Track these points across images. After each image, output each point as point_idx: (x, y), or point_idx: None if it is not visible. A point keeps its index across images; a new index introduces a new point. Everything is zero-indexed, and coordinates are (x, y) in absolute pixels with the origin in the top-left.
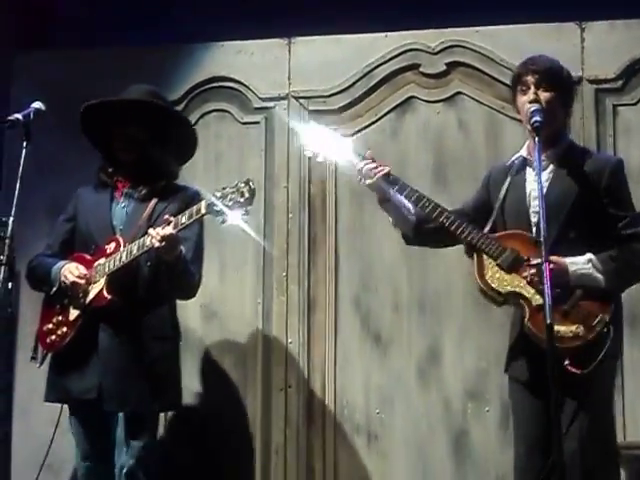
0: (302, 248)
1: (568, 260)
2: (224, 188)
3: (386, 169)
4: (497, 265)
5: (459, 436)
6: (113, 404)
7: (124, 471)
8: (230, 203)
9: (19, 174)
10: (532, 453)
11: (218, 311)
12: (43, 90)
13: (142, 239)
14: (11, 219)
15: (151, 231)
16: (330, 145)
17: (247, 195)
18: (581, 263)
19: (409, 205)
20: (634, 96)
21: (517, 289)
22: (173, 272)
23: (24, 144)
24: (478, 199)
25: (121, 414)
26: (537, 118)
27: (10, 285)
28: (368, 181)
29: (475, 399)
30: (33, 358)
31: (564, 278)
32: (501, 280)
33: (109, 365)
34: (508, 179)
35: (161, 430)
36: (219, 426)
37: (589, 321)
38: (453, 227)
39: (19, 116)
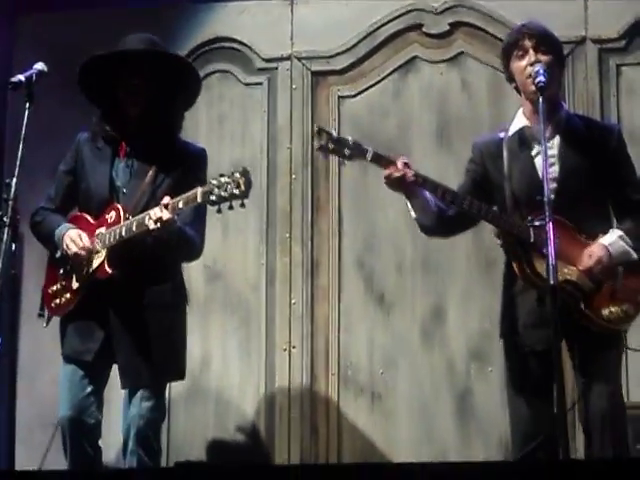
0: (305, 209)
1: (606, 242)
2: (222, 175)
3: (410, 175)
4: (531, 244)
5: (462, 396)
6: (129, 381)
7: (134, 429)
8: (226, 194)
9: (22, 135)
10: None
11: (222, 272)
12: (45, 52)
13: (141, 216)
14: (14, 180)
15: (150, 212)
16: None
17: (243, 188)
18: (616, 240)
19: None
20: (638, 56)
21: (567, 277)
22: (168, 247)
23: (27, 105)
24: (476, 178)
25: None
26: (542, 78)
27: (14, 247)
28: (394, 189)
29: (478, 359)
30: (40, 315)
31: (610, 259)
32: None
33: (122, 343)
34: (505, 154)
35: (167, 391)
36: (223, 387)
37: (634, 297)
38: (489, 218)
39: (22, 77)
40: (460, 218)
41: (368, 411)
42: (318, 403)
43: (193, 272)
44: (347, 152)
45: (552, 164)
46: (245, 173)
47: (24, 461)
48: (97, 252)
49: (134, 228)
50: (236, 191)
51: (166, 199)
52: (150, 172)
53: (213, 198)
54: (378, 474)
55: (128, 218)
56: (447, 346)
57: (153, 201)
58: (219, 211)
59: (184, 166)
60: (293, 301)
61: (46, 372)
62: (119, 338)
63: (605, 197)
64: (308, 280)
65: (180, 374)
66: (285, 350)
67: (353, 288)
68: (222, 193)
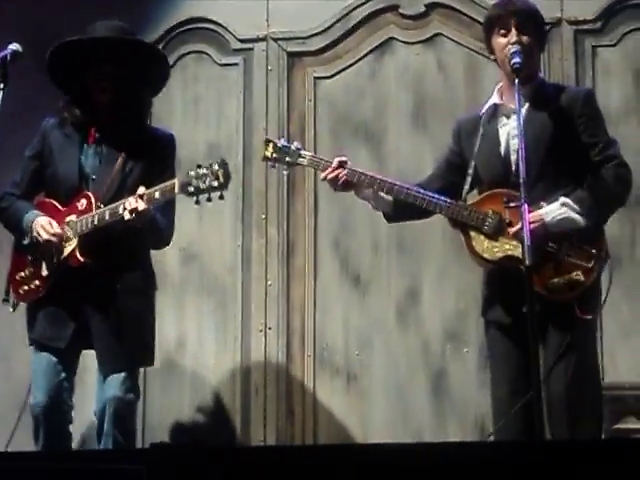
0: (281, 190)
1: (542, 211)
2: (199, 167)
3: (342, 174)
4: (482, 234)
5: (438, 377)
6: (108, 367)
7: (110, 410)
8: (204, 186)
9: None
10: (512, 394)
11: (197, 254)
12: (16, 34)
13: (115, 205)
14: None
15: (125, 202)
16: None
17: (222, 180)
18: (556, 209)
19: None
20: (613, 37)
21: (508, 252)
22: (141, 233)
23: (1, 87)
24: (450, 157)
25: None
26: (517, 60)
27: None
28: (336, 190)
29: (454, 340)
30: (5, 300)
31: (544, 230)
32: (490, 248)
33: (99, 330)
34: (480, 130)
35: (143, 373)
36: (199, 368)
37: (585, 264)
38: (431, 207)
39: None
40: (415, 205)
41: (344, 392)
42: (294, 384)
43: (169, 254)
44: (287, 159)
45: (515, 135)
46: (223, 165)
47: (1, 443)
48: (68, 240)
49: (107, 217)
50: (215, 183)
51: (141, 189)
52: (119, 159)
53: (191, 190)
54: (354, 455)
55: (100, 207)
56: (422, 326)
57: (124, 188)
58: (197, 202)
59: (153, 152)
60: (269, 282)
61: (21, 353)
62: (96, 324)
63: (571, 160)
64: (284, 261)
65: (150, 360)
66: (261, 331)
67: (329, 269)
68: (200, 185)
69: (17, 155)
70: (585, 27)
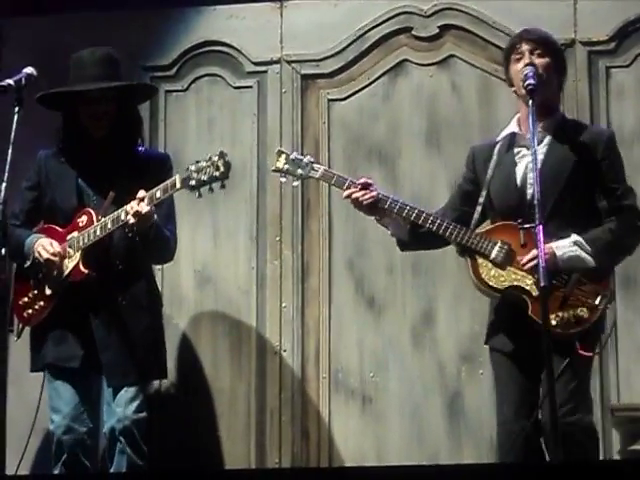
0: (295, 212)
1: (554, 245)
2: (198, 162)
3: (371, 196)
4: (490, 262)
5: (453, 399)
6: (116, 379)
7: (120, 429)
8: (205, 177)
9: (11, 140)
10: (518, 419)
11: (212, 277)
12: (32, 56)
13: (116, 213)
14: (4, 185)
15: (127, 207)
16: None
17: (222, 169)
18: (567, 246)
19: None
20: (627, 58)
21: (515, 282)
22: (146, 240)
23: (16, 110)
24: (464, 186)
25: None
26: (531, 81)
27: (3, 251)
28: (358, 209)
29: (469, 362)
30: (10, 331)
31: (553, 264)
32: (497, 277)
33: (105, 344)
34: (494, 157)
35: (157, 395)
36: (214, 391)
37: (591, 301)
38: (441, 230)
39: (11, 82)
40: (431, 233)
41: (359, 414)
42: (309, 406)
43: (183, 277)
44: (300, 172)
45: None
46: (222, 155)
47: (15, 466)
48: (70, 256)
49: (110, 225)
50: (216, 173)
51: (141, 192)
52: (117, 181)
53: (192, 183)
54: (369, 477)
55: (100, 220)
56: (437, 348)
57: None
58: (199, 195)
59: (149, 173)
60: (284, 304)
61: (36, 377)
62: (102, 338)
63: (587, 201)
64: (298, 283)
65: (162, 373)
66: (276, 353)
67: (343, 291)
68: (202, 177)
69: None
70: (599, 48)
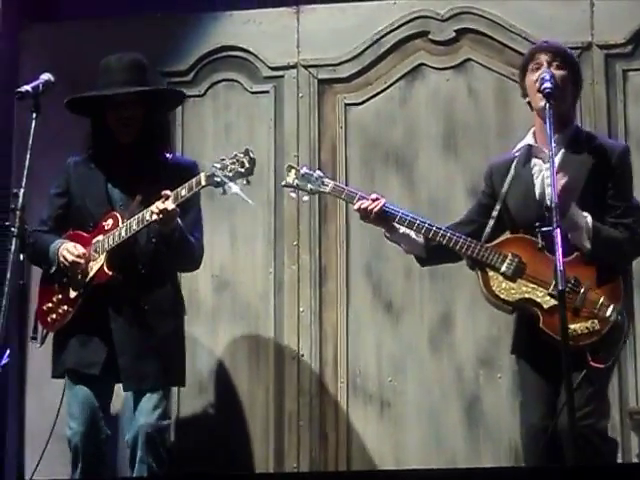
0: (313, 216)
1: (573, 204)
2: (223, 159)
3: (379, 205)
4: (501, 274)
5: (472, 403)
6: (132, 383)
7: (142, 436)
8: (231, 174)
9: (29, 146)
10: (544, 419)
11: (230, 281)
12: (50, 61)
13: (141, 214)
14: (22, 191)
15: (152, 207)
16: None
17: (247, 165)
18: (582, 215)
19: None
20: None
21: (526, 295)
22: (170, 245)
23: (34, 116)
24: (482, 200)
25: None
26: (548, 84)
27: (22, 257)
28: (368, 221)
29: (487, 366)
30: (33, 338)
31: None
32: (508, 289)
33: (124, 347)
34: (512, 172)
35: (176, 400)
36: (232, 396)
37: (602, 313)
38: (451, 244)
39: (28, 88)
40: (446, 247)
41: (377, 418)
42: (327, 411)
43: (201, 281)
44: (309, 187)
45: (550, 184)
46: (248, 152)
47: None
48: (95, 259)
49: (134, 226)
50: (241, 169)
51: (167, 192)
52: (144, 188)
53: (218, 180)
54: None
55: (125, 222)
56: (456, 353)
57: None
58: (224, 192)
59: (177, 180)
60: (301, 309)
61: (55, 382)
62: (121, 341)
63: (597, 214)
64: (316, 288)
65: (181, 380)
66: (294, 358)
67: (361, 295)
68: (227, 173)
69: (51, 181)
70: (616, 51)
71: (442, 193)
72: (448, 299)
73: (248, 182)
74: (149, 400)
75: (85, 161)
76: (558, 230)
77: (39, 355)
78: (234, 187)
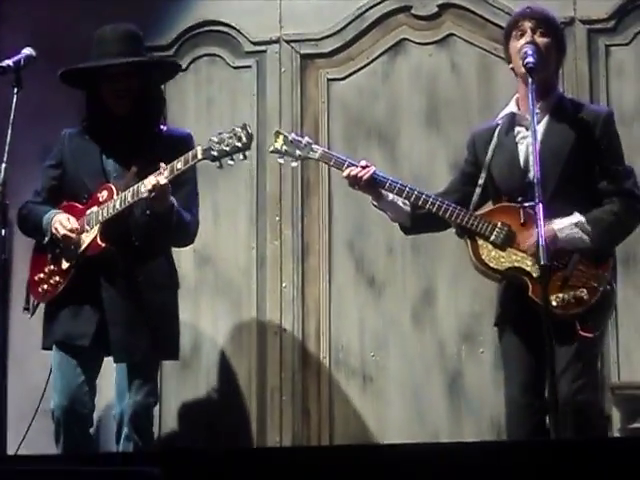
0: (295, 192)
1: (556, 226)
2: (220, 133)
3: (369, 172)
4: (490, 243)
5: (454, 378)
6: (122, 355)
7: (129, 414)
8: (227, 148)
9: (10, 121)
10: (525, 394)
11: (212, 256)
12: (30, 36)
13: (136, 186)
14: (3, 165)
15: (145, 181)
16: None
17: (245, 140)
18: (568, 227)
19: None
20: (626, 36)
21: (515, 264)
22: (164, 222)
23: (15, 90)
24: (465, 168)
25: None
26: (531, 59)
27: (4, 232)
28: (357, 188)
29: (469, 341)
30: (26, 309)
31: (553, 243)
32: (498, 258)
33: (115, 318)
34: (494, 140)
35: (159, 376)
36: (215, 371)
37: (591, 283)
38: (441, 212)
39: (9, 62)
40: (431, 215)
41: (359, 393)
42: (309, 386)
43: (183, 257)
44: (298, 153)
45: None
46: (245, 126)
47: (16, 447)
48: (88, 231)
49: (129, 198)
50: (238, 144)
51: (162, 165)
52: (139, 161)
53: (214, 154)
54: (370, 455)
55: (120, 194)
56: (438, 328)
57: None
58: (220, 166)
59: (172, 151)
60: (284, 284)
61: (37, 358)
62: (112, 311)
63: (587, 179)
64: (298, 263)
65: (175, 353)
66: (276, 333)
67: (344, 270)
68: (224, 147)
69: (32, 156)
70: (598, 26)
71: (425, 169)
72: (430, 274)
73: (245, 157)
74: (139, 375)
75: (80, 133)
76: (540, 205)
77: (21, 330)
78: (230, 161)
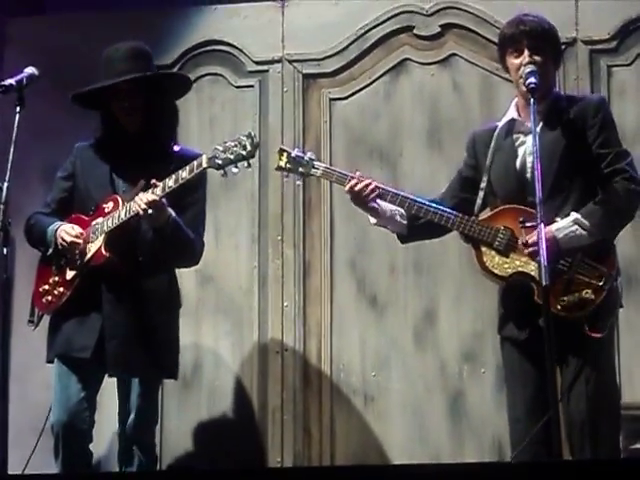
0: (297, 211)
1: (554, 228)
2: (225, 142)
3: (371, 185)
4: (493, 249)
5: (455, 398)
6: (118, 369)
7: (131, 433)
8: (232, 156)
9: (13, 139)
10: (529, 414)
11: (213, 275)
12: (35, 55)
13: (130, 203)
14: (6, 184)
15: (136, 197)
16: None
17: (249, 148)
18: (567, 226)
19: (398, 207)
20: (628, 56)
21: (519, 268)
22: (164, 238)
23: (17, 109)
24: (464, 172)
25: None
26: (533, 80)
27: (5, 250)
28: (358, 203)
29: (471, 361)
30: (30, 321)
31: (555, 247)
32: (501, 264)
33: (113, 330)
34: (493, 143)
35: (160, 395)
36: (216, 390)
37: (595, 283)
38: (442, 221)
39: (12, 81)
40: (429, 225)
41: (361, 413)
42: (311, 406)
43: (185, 275)
44: (301, 170)
45: (531, 153)
46: (250, 135)
47: (17, 466)
48: (93, 241)
49: (122, 215)
50: (243, 152)
51: (153, 181)
52: (148, 176)
53: (219, 162)
54: (371, 476)
55: (125, 205)
56: (439, 348)
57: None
58: (225, 174)
59: (180, 167)
60: (285, 304)
61: (38, 376)
62: (110, 326)
63: (585, 173)
64: (300, 283)
65: (173, 372)
66: (277, 353)
67: (345, 290)
68: (228, 156)
69: (35, 175)
70: (600, 47)
71: (426, 188)
72: (432, 294)
73: (249, 165)
74: (140, 394)
75: (92, 146)
76: (542, 225)
77: (22, 348)
78: (235, 169)
